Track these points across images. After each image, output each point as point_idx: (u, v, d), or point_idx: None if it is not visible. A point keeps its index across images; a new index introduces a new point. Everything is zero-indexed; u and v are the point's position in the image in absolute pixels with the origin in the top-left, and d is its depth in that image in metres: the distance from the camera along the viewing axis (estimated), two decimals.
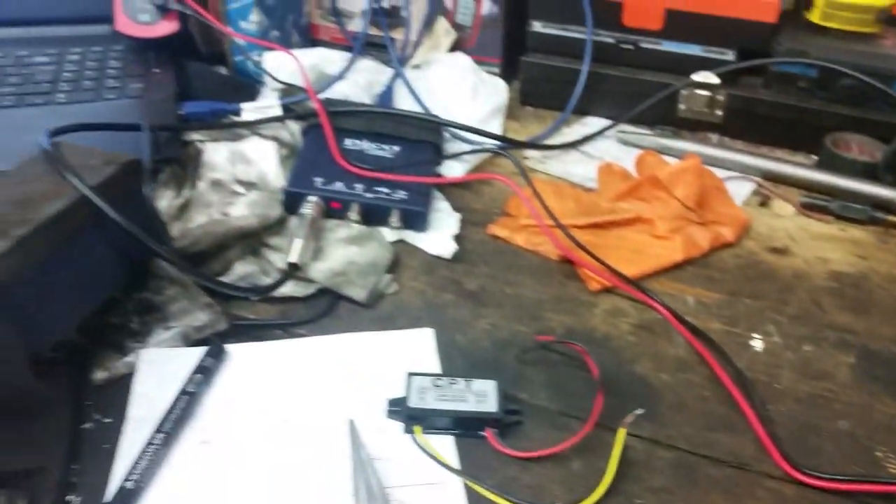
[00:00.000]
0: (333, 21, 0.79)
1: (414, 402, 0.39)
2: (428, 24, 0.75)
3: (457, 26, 0.75)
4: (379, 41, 0.78)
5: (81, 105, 0.59)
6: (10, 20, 0.70)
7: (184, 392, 0.40)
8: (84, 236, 0.39)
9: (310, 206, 0.52)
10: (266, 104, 0.62)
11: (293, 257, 0.48)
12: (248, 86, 0.69)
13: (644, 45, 0.69)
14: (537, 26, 0.72)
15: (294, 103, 0.64)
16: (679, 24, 0.67)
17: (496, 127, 0.68)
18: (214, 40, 0.71)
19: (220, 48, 0.72)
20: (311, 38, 0.81)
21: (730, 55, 0.67)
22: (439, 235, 0.53)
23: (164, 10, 0.67)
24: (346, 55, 0.72)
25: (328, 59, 0.71)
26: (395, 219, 0.53)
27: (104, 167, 0.41)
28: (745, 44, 0.67)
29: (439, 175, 0.59)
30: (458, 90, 0.70)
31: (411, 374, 0.41)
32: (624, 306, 0.49)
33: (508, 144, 0.65)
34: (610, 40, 0.70)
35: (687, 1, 0.66)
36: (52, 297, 0.38)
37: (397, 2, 0.76)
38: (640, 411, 0.38)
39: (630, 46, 0.70)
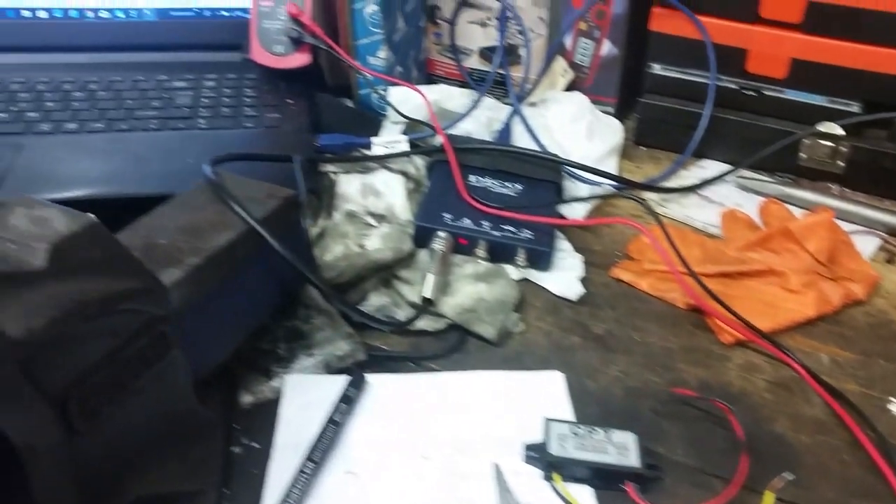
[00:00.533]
0: (450, 57, 0.81)
1: (555, 450, 0.40)
2: (545, 63, 0.76)
3: (574, 66, 0.76)
4: (496, 78, 0.80)
5: (221, 132, 0.62)
6: (148, 45, 0.74)
7: (331, 421, 0.41)
8: (247, 266, 0.41)
9: (440, 242, 0.53)
10: (394, 139, 0.64)
11: (427, 292, 0.49)
12: (372, 119, 0.72)
13: (767, 93, 0.69)
14: (656, 68, 0.72)
15: (420, 139, 0.65)
16: (804, 74, 0.66)
17: (612, 167, 0.68)
18: (341, 73, 0.74)
19: (346, 81, 0.74)
20: (427, 73, 0.83)
21: (855, 107, 0.66)
22: (564, 276, 0.54)
23: (298, 43, 0.69)
24: (465, 92, 0.74)
25: (449, 96, 0.72)
26: (521, 258, 0.54)
27: (267, 200, 0.43)
28: (871, 96, 0.65)
29: (563, 216, 0.60)
30: (575, 129, 0.71)
31: (549, 420, 0.41)
32: (758, 361, 0.48)
33: (627, 185, 0.65)
34: (732, 86, 0.69)
35: (814, 51, 0.65)
36: (216, 323, 0.40)
37: (515, 40, 0.77)
38: (789, 476, 0.38)
39: (752, 93, 0.69)
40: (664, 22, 0.69)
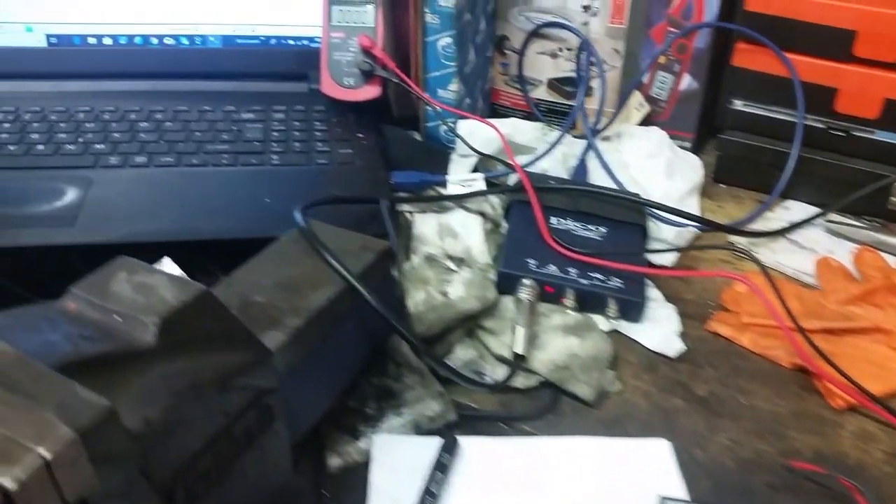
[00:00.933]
0: (517, 88, 0.79)
1: None
2: (620, 96, 0.73)
3: (650, 99, 0.73)
4: (563, 109, 0.77)
5: (294, 168, 0.60)
6: (213, 73, 0.72)
7: (427, 492, 0.38)
8: (343, 323, 0.39)
9: (526, 290, 0.51)
10: (470, 177, 0.61)
11: (519, 348, 0.46)
12: (440, 152, 0.69)
13: (856, 133, 0.65)
14: (738, 104, 0.69)
15: (495, 176, 0.63)
16: None
17: (694, 206, 0.66)
18: (409, 105, 0.72)
19: (413, 112, 0.72)
20: (490, 103, 0.80)
21: None
22: (660, 329, 0.51)
23: (368, 76, 0.68)
24: (537, 125, 0.71)
25: (519, 129, 0.70)
26: (612, 308, 0.51)
27: (362, 252, 0.41)
28: None
29: (651, 262, 0.57)
30: (653, 165, 0.68)
31: (665, 499, 0.38)
32: (873, 429, 0.45)
33: (713, 228, 0.62)
34: (819, 125, 0.66)
35: None
36: (313, 384, 0.38)
37: (589, 71, 0.75)
38: None
39: (841, 133, 0.66)
40: (748, 57, 0.67)
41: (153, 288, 0.28)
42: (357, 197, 0.53)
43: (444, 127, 0.70)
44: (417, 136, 0.72)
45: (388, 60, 0.67)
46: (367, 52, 0.67)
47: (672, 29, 0.69)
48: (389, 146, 0.68)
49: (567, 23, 0.73)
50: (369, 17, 0.67)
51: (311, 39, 0.74)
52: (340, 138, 0.64)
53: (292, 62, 0.73)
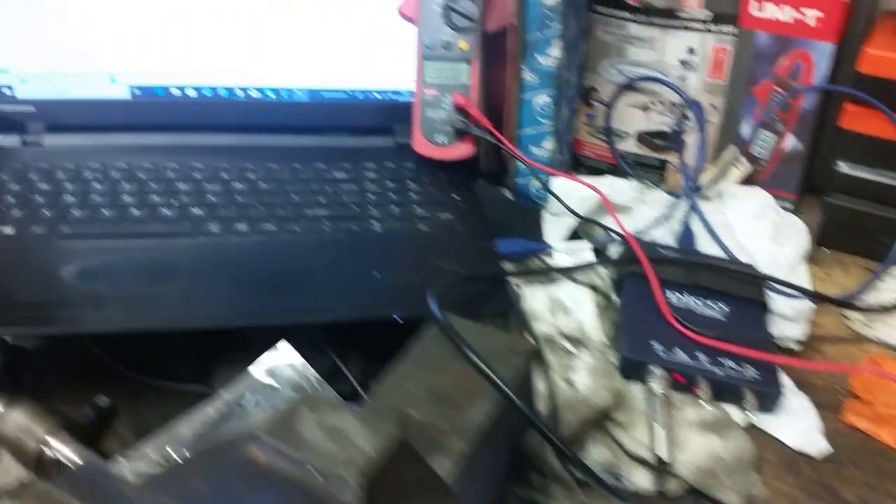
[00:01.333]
0: (603, 140, 0.76)
1: None
2: (719, 154, 0.71)
3: (750, 158, 0.70)
4: (652, 163, 0.75)
5: (396, 235, 0.58)
6: (298, 127, 0.70)
7: None
8: (496, 435, 0.36)
9: (657, 381, 0.48)
10: (577, 245, 0.59)
11: (662, 452, 0.44)
12: (532, 211, 0.67)
13: None
14: (844, 167, 0.66)
15: (603, 244, 0.60)
16: None
17: (804, 275, 0.63)
18: (497, 160, 0.70)
19: (500, 167, 0.70)
20: (573, 153, 0.78)
21: None
22: (798, 424, 0.48)
23: (462, 134, 0.65)
24: (635, 185, 0.69)
25: (617, 189, 0.68)
26: (749, 401, 0.48)
27: (510, 356, 0.38)
28: None
29: (777, 345, 0.54)
30: (758, 228, 0.65)
31: None
32: None
33: (829, 302, 0.59)
34: None
35: None
36: None
37: (682, 125, 0.72)
38: None
39: None
40: (858, 120, 0.64)
41: (346, 434, 0.26)
42: (480, 275, 0.51)
43: (536, 184, 0.68)
44: (507, 194, 0.70)
45: (483, 119, 0.65)
46: (461, 110, 0.65)
47: (778, 89, 0.67)
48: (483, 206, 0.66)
49: (664, 77, 0.70)
50: (463, 74, 0.65)
51: (396, 93, 0.72)
52: (437, 200, 0.62)
53: (378, 115, 0.71)
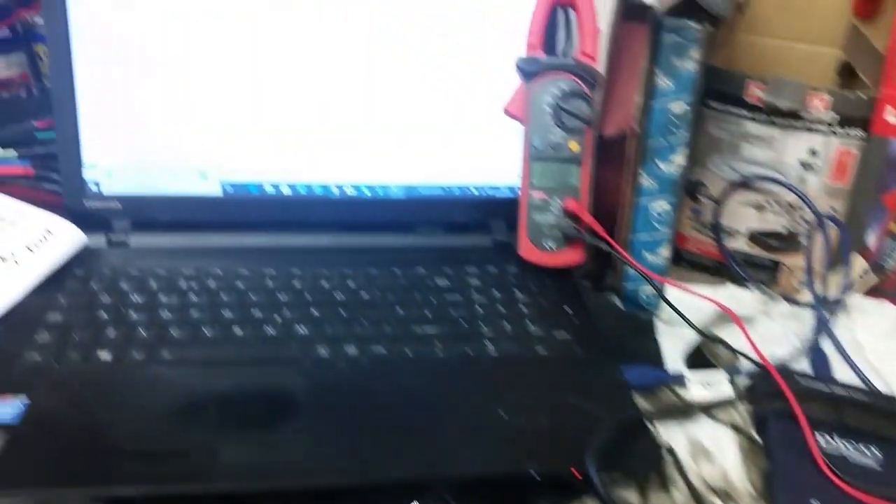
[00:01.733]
0: (710, 236, 0.72)
1: None
2: (839, 262, 0.66)
3: (875, 267, 0.66)
4: (764, 263, 0.70)
5: (513, 360, 0.54)
6: (392, 224, 0.67)
7: None
8: None
9: None
10: (714, 376, 0.54)
11: None
12: (645, 323, 0.63)
13: None
14: None
15: (731, 369, 0.56)
16: None
17: None
18: (605, 263, 0.65)
19: (602, 268, 0.66)
20: (675, 248, 0.74)
21: None
22: None
23: (571, 239, 0.61)
24: (757, 295, 0.64)
25: (738, 300, 0.63)
26: None
27: None
28: None
29: None
30: (892, 349, 0.60)
31: None
32: None
33: None
34: None
35: None
36: None
37: (798, 228, 0.68)
38: None
39: None
40: None
41: None
42: (627, 422, 0.46)
43: (648, 291, 0.64)
44: (614, 299, 0.66)
45: (596, 226, 0.61)
46: (572, 214, 0.61)
47: None
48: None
49: (783, 179, 0.66)
50: (573, 176, 0.62)
51: (494, 188, 0.68)
52: (549, 314, 0.58)
53: (475, 211, 0.68)
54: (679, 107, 0.56)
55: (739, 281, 0.68)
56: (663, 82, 0.56)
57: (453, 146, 0.66)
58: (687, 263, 0.74)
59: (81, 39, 0.60)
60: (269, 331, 0.53)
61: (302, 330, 0.54)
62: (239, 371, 0.50)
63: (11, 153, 0.65)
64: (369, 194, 0.66)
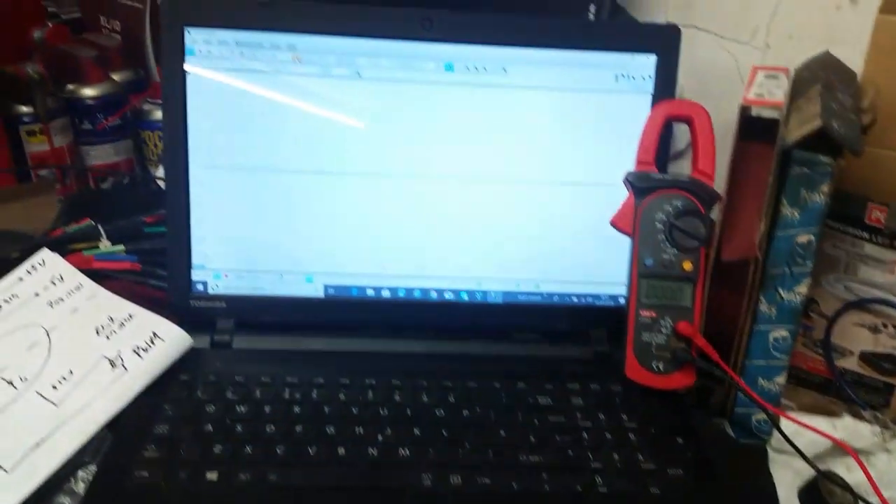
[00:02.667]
0: (818, 353, 0.68)
1: None
2: None
3: None
4: (875, 384, 0.67)
5: (626, 498, 0.51)
6: (488, 330, 0.66)
7: None
8: None
9: None
10: None
11: None
12: (757, 452, 0.60)
13: None
14: None
15: None
16: None
17: None
18: (715, 385, 0.63)
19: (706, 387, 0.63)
20: None
21: None
22: None
23: (681, 362, 0.59)
24: (875, 430, 0.61)
25: (856, 434, 0.59)
26: None
27: None
28: None
29: None
30: None
31: None
32: None
33: None
34: None
35: None
36: None
37: None
38: None
39: None
40: None
41: None
42: None
43: (760, 417, 0.61)
44: (724, 425, 0.63)
45: (711, 351, 0.58)
46: (685, 338, 0.59)
47: None
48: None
49: None
50: (685, 296, 0.59)
51: (594, 296, 0.66)
52: (660, 445, 0.55)
53: (575, 320, 0.67)
54: (805, 238, 0.54)
55: (849, 401, 0.64)
56: (790, 213, 0.53)
57: (553, 253, 0.65)
58: (794, 379, 0.71)
59: (198, 143, 0.61)
60: (372, 452, 0.52)
61: (404, 452, 0.52)
62: (342, 502, 0.48)
63: (120, 248, 0.67)
64: (467, 299, 0.65)
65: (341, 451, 0.52)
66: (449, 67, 0.62)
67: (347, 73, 0.61)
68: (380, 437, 0.53)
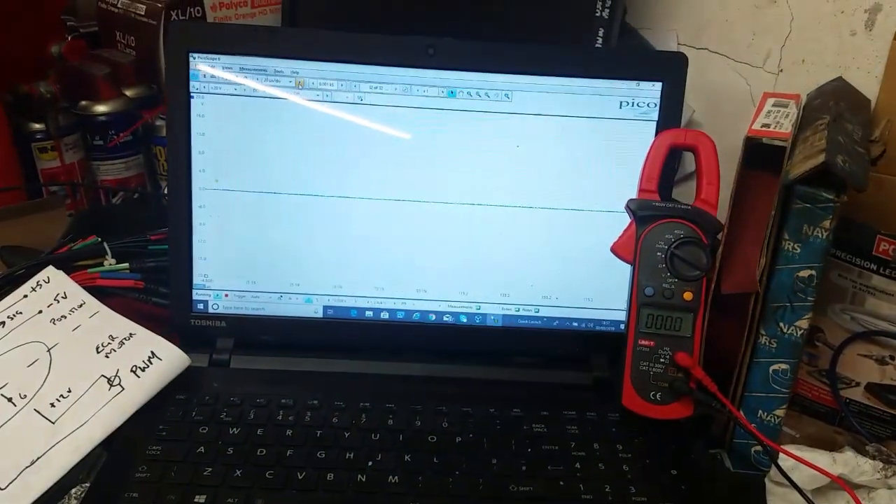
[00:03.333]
0: (823, 382, 0.67)
1: None
2: None
3: None
4: (880, 416, 0.65)
5: None
6: (486, 354, 0.65)
7: None
8: None
9: None
10: None
11: None
12: (754, 485, 0.59)
13: None
14: None
15: None
16: None
17: None
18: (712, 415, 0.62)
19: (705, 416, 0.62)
20: None
21: None
22: None
23: (679, 393, 0.58)
24: (876, 464, 0.59)
25: (857, 471, 0.58)
26: None
27: None
28: None
29: None
30: None
31: None
32: None
33: None
34: None
35: None
36: None
37: None
38: None
39: None
40: None
41: None
42: None
43: (758, 449, 0.60)
44: (722, 455, 0.62)
45: (710, 383, 0.57)
46: (684, 369, 0.58)
47: None
48: None
49: None
50: (685, 325, 0.59)
51: (596, 321, 0.66)
52: (653, 477, 0.55)
53: (574, 345, 0.67)
54: (807, 273, 0.53)
55: (854, 432, 0.63)
56: (791, 247, 0.53)
57: (554, 277, 0.65)
58: (798, 407, 0.70)
59: (201, 165, 0.62)
60: (361, 478, 0.52)
61: (393, 479, 0.52)
62: None
63: (124, 266, 0.67)
64: (466, 322, 0.65)
65: (330, 476, 0.52)
66: (451, 94, 0.62)
67: (350, 98, 0.62)
68: (370, 463, 0.54)
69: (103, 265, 0.68)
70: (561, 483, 0.54)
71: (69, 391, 0.55)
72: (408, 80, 0.61)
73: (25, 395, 0.54)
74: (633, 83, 0.63)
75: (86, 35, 0.92)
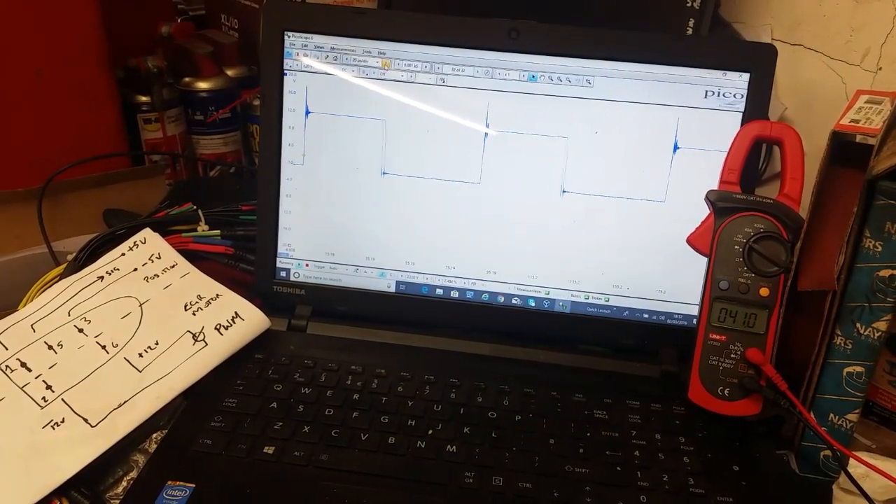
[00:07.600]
0: None
1: None
2: None
3: None
4: None
5: None
6: (553, 339, 0.66)
7: None
8: None
9: None
10: None
11: None
12: (821, 490, 0.57)
13: None
14: None
15: None
16: None
17: None
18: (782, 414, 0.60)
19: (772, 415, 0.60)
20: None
21: None
22: None
23: (748, 390, 0.57)
24: None
25: None
26: None
27: None
28: None
29: None
30: None
31: None
32: None
33: None
34: None
35: None
36: None
37: None
38: None
39: None
40: None
41: None
42: None
43: (827, 454, 0.58)
44: (789, 458, 0.60)
45: (780, 382, 0.56)
46: (754, 366, 0.57)
47: None
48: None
49: None
50: (759, 322, 0.57)
51: (667, 314, 0.65)
52: (713, 470, 0.54)
53: (644, 337, 0.66)
54: (888, 272, 0.51)
55: None
56: (872, 246, 0.51)
57: (627, 267, 0.65)
58: (877, 418, 0.67)
59: (290, 140, 0.65)
60: (420, 444, 0.54)
61: (452, 449, 0.54)
62: (385, 490, 0.50)
63: (216, 232, 0.71)
64: (534, 306, 0.66)
65: (391, 440, 0.54)
66: (532, 78, 0.63)
67: (432, 80, 0.63)
68: (430, 432, 0.55)
69: (197, 231, 0.72)
70: (618, 468, 0.54)
71: (156, 343, 0.59)
72: (490, 63, 0.62)
73: (117, 345, 0.59)
74: (719, 73, 0.62)
75: (194, 17, 0.97)
